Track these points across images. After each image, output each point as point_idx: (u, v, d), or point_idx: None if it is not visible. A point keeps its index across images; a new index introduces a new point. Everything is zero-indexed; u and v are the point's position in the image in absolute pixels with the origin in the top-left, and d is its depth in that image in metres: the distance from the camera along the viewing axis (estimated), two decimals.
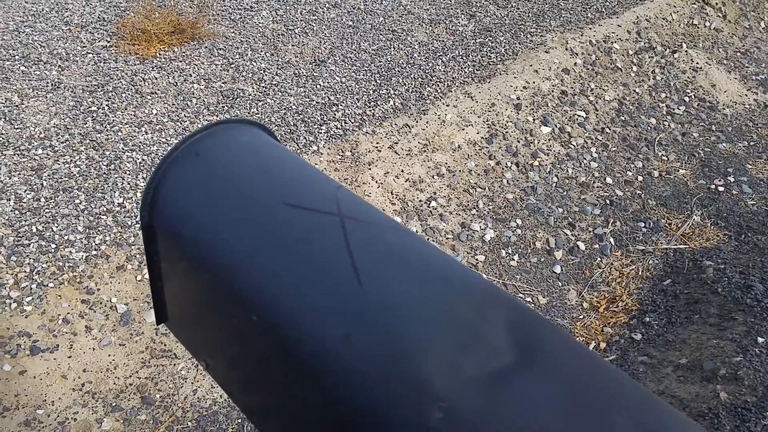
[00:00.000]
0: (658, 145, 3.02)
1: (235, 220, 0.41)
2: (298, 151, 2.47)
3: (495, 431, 0.28)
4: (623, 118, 3.08)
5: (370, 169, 2.47)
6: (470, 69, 3.04)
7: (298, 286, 0.36)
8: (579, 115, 2.98)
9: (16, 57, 2.72)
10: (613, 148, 2.93)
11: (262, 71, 2.87)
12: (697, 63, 3.50)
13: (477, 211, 2.50)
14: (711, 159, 2.97)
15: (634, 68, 3.31)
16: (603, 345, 2.18)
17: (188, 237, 0.42)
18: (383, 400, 0.30)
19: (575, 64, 3.16)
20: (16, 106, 2.46)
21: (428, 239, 2.34)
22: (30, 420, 1.65)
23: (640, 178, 2.83)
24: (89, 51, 2.85)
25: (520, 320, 0.33)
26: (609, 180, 2.79)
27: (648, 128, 3.09)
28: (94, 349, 1.81)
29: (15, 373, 1.70)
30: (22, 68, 2.66)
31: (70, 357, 1.77)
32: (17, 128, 2.36)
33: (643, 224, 2.62)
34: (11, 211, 2.04)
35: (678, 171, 2.90)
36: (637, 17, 3.54)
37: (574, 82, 3.09)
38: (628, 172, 2.85)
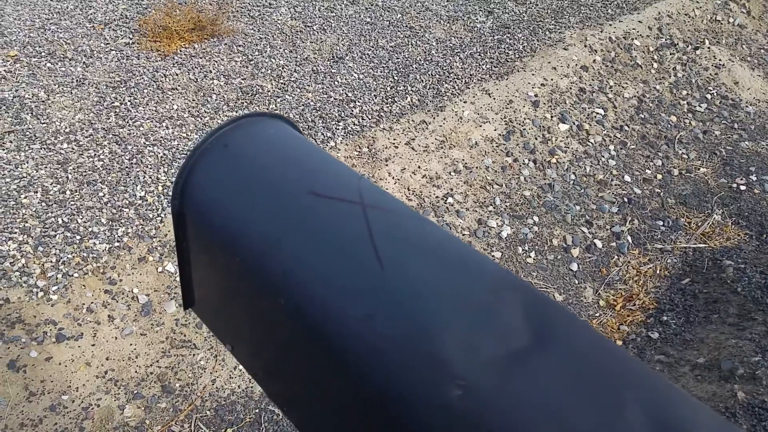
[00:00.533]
0: (679, 143, 2.98)
1: (263, 208, 0.43)
2: None
3: (511, 408, 0.29)
4: (643, 116, 3.04)
5: (387, 165, 2.49)
6: (488, 66, 3.03)
7: (323, 270, 0.38)
8: (597, 113, 2.95)
9: (42, 54, 2.79)
10: (632, 146, 2.90)
11: (280, 68, 2.90)
12: (720, 60, 3.44)
13: (494, 207, 2.50)
14: (733, 157, 2.93)
15: (655, 65, 3.27)
16: (619, 343, 2.16)
17: (218, 223, 0.44)
18: (404, 379, 0.32)
19: (594, 60, 3.13)
20: (43, 101, 2.53)
21: None
22: (55, 405, 1.70)
23: (660, 177, 2.80)
24: (112, 48, 2.90)
25: (534, 303, 0.34)
26: (627, 178, 2.76)
27: (668, 126, 3.04)
28: (116, 338, 1.86)
29: (41, 360, 1.76)
30: (48, 65, 2.73)
31: (93, 345, 1.82)
32: (44, 123, 2.42)
33: (661, 223, 2.59)
34: (38, 203, 2.10)
35: (699, 169, 2.86)
36: (659, 13, 3.49)
37: (592, 79, 3.06)
38: (647, 170, 2.82)
